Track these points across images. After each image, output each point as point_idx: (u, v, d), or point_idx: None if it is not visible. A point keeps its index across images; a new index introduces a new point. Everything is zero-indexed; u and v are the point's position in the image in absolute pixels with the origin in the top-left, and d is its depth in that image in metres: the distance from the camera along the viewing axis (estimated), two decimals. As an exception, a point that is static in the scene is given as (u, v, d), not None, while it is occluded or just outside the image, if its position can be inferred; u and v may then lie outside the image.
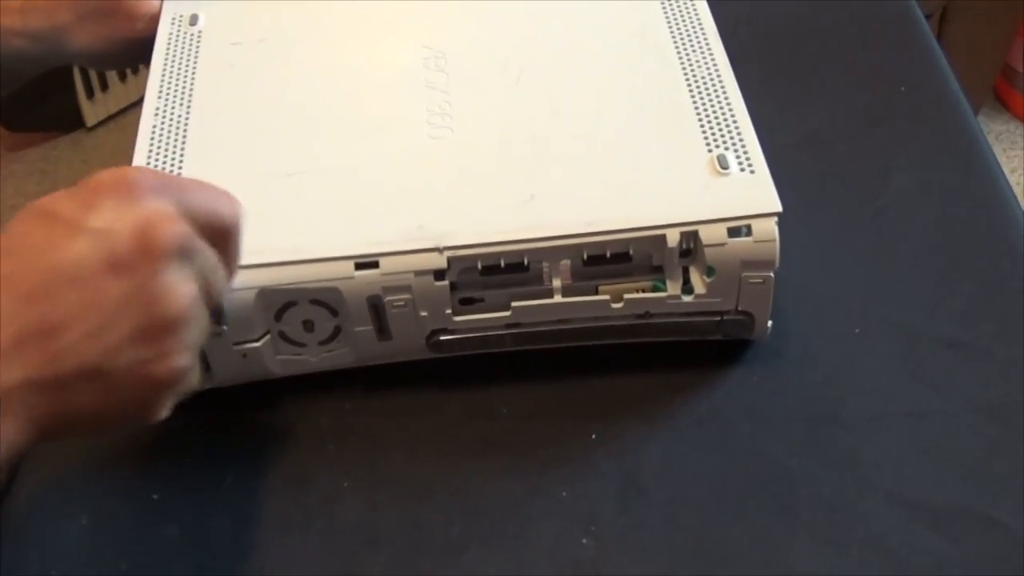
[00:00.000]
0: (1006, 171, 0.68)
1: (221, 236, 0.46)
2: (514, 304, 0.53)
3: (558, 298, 0.53)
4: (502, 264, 0.52)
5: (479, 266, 0.52)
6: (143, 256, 0.42)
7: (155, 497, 0.53)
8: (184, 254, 0.43)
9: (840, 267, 0.61)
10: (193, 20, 0.64)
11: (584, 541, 0.50)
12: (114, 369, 0.42)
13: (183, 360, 0.44)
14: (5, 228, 0.42)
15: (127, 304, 0.42)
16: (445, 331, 0.54)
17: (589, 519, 0.51)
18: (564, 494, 0.52)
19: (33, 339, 0.41)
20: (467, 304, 0.54)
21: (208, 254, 0.45)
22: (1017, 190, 0.63)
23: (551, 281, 0.53)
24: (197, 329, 0.44)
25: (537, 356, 0.56)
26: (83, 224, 0.41)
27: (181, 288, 0.43)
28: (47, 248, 0.41)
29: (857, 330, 0.58)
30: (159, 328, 0.43)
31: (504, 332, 0.54)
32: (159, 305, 0.42)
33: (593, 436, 0.54)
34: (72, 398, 0.42)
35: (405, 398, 0.56)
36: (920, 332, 0.58)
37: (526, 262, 0.53)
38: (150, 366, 0.43)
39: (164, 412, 0.44)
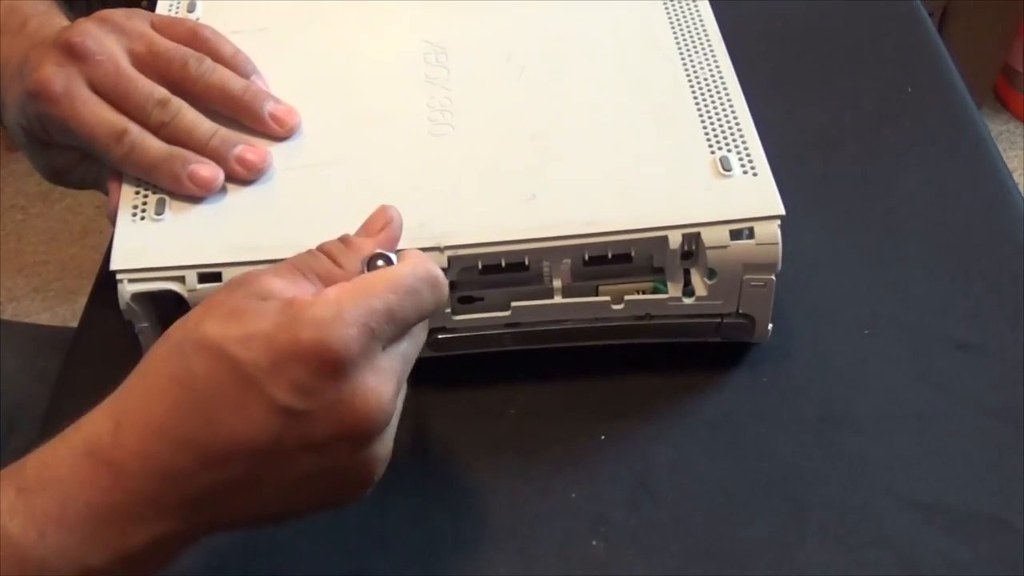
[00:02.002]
0: (1006, 171, 0.68)
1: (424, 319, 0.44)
2: (514, 304, 0.53)
3: (558, 298, 0.53)
4: (502, 264, 0.52)
5: (479, 265, 0.52)
6: (347, 446, 0.40)
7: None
8: (388, 421, 0.41)
9: (848, 268, 0.61)
10: (191, 7, 0.63)
11: (594, 542, 0.50)
12: (297, 511, 0.43)
13: (377, 480, 0.43)
14: (186, 355, 0.39)
15: (320, 475, 0.41)
16: (444, 330, 0.54)
17: (599, 520, 0.51)
18: (573, 495, 0.52)
19: (225, 497, 0.40)
20: (467, 303, 0.54)
21: (413, 353, 0.43)
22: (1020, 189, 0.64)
23: (551, 281, 0.53)
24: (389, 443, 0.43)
25: (545, 356, 0.55)
26: (280, 401, 0.39)
27: (383, 453, 0.42)
28: (239, 419, 0.39)
29: (866, 331, 0.58)
30: (355, 484, 0.42)
31: (504, 332, 0.54)
32: (359, 473, 0.42)
33: (602, 437, 0.54)
34: (242, 526, 0.42)
35: (412, 397, 0.56)
36: (929, 333, 0.58)
37: (527, 262, 0.52)
38: (342, 502, 0.43)
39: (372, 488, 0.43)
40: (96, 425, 0.40)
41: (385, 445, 0.42)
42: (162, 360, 0.40)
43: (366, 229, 0.46)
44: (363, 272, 0.43)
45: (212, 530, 0.41)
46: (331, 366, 0.39)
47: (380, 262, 0.43)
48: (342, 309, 0.39)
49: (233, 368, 0.39)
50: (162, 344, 0.41)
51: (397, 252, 0.44)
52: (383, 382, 0.40)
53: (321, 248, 0.44)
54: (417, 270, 0.42)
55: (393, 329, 0.41)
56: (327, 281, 0.42)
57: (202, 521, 0.40)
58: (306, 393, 0.39)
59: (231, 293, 0.41)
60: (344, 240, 0.45)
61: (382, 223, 0.46)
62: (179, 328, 0.41)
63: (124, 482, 0.39)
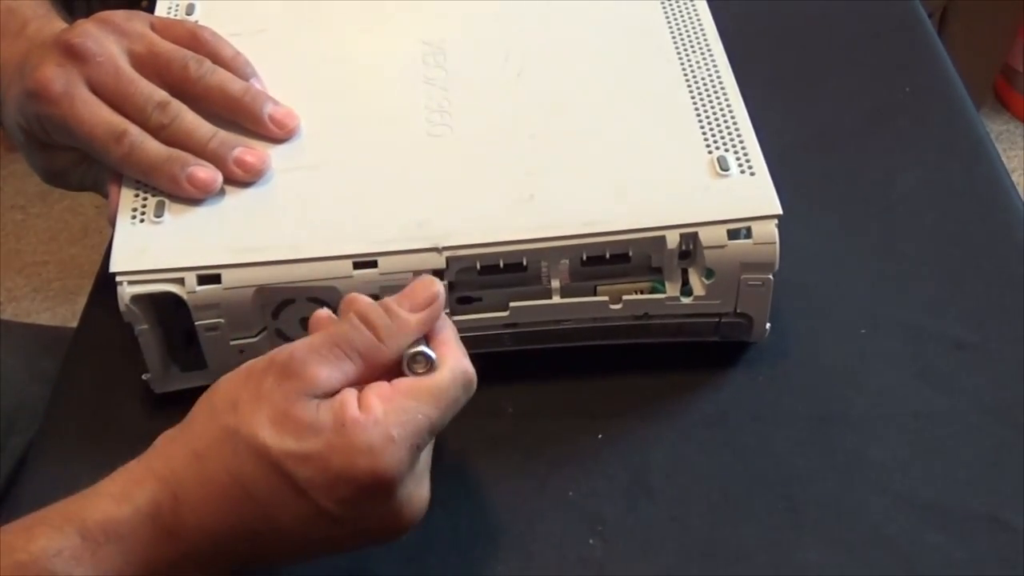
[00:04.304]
0: (1006, 171, 0.68)
1: None
2: (512, 304, 0.53)
3: (556, 298, 0.53)
4: (501, 264, 0.52)
5: (478, 266, 0.52)
6: (390, 536, 0.45)
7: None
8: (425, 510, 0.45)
9: (846, 267, 0.61)
10: (190, 9, 0.63)
11: (591, 540, 0.50)
12: (331, 553, 0.46)
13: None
14: (231, 446, 0.42)
15: (356, 537, 0.45)
16: (444, 330, 0.54)
17: (596, 518, 0.51)
18: (571, 493, 0.52)
19: (251, 563, 0.44)
20: (465, 303, 0.54)
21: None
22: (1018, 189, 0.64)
23: (550, 281, 0.53)
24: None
25: (543, 355, 0.55)
26: (333, 512, 0.42)
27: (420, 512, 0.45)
28: (292, 518, 0.42)
29: (863, 330, 0.58)
30: (389, 537, 0.45)
31: (502, 332, 0.54)
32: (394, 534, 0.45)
33: (600, 436, 0.54)
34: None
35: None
36: (927, 332, 0.58)
37: (525, 262, 0.52)
38: (375, 545, 0.46)
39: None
40: (156, 493, 0.42)
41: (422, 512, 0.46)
42: (216, 449, 0.42)
43: (411, 300, 0.46)
44: (407, 367, 0.45)
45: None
46: (383, 489, 0.42)
47: (421, 361, 0.45)
48: (391, 432, 0.42)
49: (289, 481, 0.41)
50: (211, 424, 0.43)
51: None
52: (422, 485, 0.45)
53: (363, 318, 0.45)
54: (456, 377, 0.45)
55: (432, 438, 0.45)
56: (368, 360, 0.44)
57: (244, 566, 0.44)
58: (357, 507, 0.42)
59: (280, 386, 0.42)
60: (388, 311, 0.45)
61: (427, 298, 0.46)
62: (229, 412, 0.43)
63: (181, 547, 0.42)
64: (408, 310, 0.45)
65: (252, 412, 0.42)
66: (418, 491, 0.44)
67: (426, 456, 0.45)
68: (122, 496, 0.42)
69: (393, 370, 0.44)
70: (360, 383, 0.44)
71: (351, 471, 0.41)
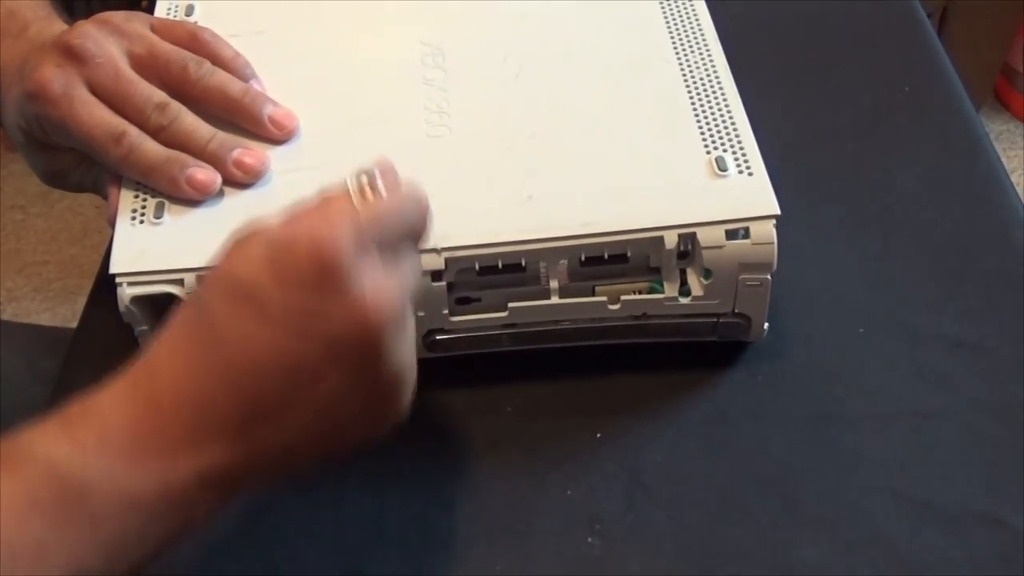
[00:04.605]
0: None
1: (414, 238, 0.46)
2: (511, 304, 0.53)
3: (555, 299, 0.53)
4: (499, 264, 0.52)
5: (476, 266, 0.52)
6: (364, 347, 0.41)
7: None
8: (400, 322, 0.42)
9: (844, 266, 0.61)
10: (189, 11, 0.63)
11: (589, 539, 0.50)
12: (334, 439, 0.43)
13: (406, 403, 0.44)
14: (206, 298, 0.42)
15: (349, 392, 0.42)
16: (442, 331, 0.54)
17: (594, 517, 0.51)
18: (569, 492, 0.52)
19: (262, 423, 0.41)
20: (464, 304, 0.54)
21: (410, 276, 0.44)
22: (1017, 190, 0.63)
23: (548, 282, 0.53)
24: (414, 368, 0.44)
25: (541, 354, 0.56)
26: (291, 317, 0.40)
27: (404, 360, 0.43)
28: (262, 348, 0.40)
29: (861, 329, 0.58)
30: (385, 402, 0.43)
31: (501, 332, 0.54)
32: (386, 388, 0.43)
33: (598, 435, 0.54)
34: (282, 465, 0.43)
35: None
36: (925, 331, 0.58)
37: (523, 263, 0.52)
38: (375, 427, 0.44)
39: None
40: (133, 370, 0.41)
41: (406, 355, 0.43)
42: (182, 314, 0.42)
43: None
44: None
45: (255, 475, 0.42)
46: (331, 269, 0.40)
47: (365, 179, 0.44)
48: (331, 214, 0.41)
49: (239, 291, 0.40)
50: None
51: None
52: (386, 279, 0.42)
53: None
54: (411, 189, 0.45)
55: (382, 232, 0.42)
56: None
57: (242, 457, 0.41)
58: (312, 293, 0.40)
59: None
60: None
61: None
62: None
63: (161, 410, 0.40)
64: None
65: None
66: (382, 282, 0.41)
67: (391, 270, 0.42)
68: (98, 387, 0.41)
69: None
70: None
71: (293, 252, 0.40)
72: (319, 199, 0.42)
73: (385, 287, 0.41)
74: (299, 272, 0.40)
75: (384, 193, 0.44)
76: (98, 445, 0.39)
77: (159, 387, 0.41)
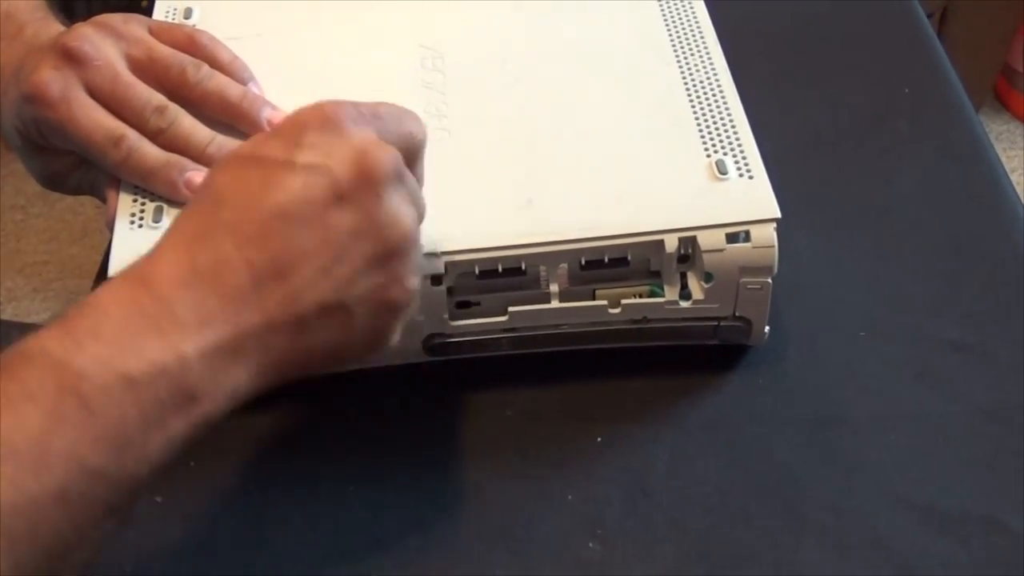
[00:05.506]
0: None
1: (412, 155, 0.46)
2: (511, 309, 0.53)
3: (555, 303, 0.53)
4: (499, 269, 0.52)
5: (476, 270, 0.52)
6: (364, 184, 0.42)
7: (159, 500, 0.52)
8: (399, 177, 0.43)
9: (844, 269, 0.61)
10: (187, 14, 0.63)
11: (590, 544, 0.50)
12: (351, 300, 0.42)
13: (414, 281, 0.44)
14: (209, 178, 0.43)
15: (356, 234, 0.42)
16: (442, 335, 0.54)
17: (595, 522, 0.51)
18: (570, 497, 0.52)
19: (268, 282, 0.41)
20: (464, 308, 0.54)
21: (411, 174, 0.45)
22: (1017, 190, 0.63)
23: (549, 286, 0.53)
24: (418, 249, 0.45)
25: (541, 359, 0.56)
26: (296, 162, 0.41)
27: (404, 210, 0.43)
28: (266, 191, 0.41)
29: (862, 332, 0.58)
30: (391, 252, 0.43)
31: (501, 336, 0.54)
32: (388, 229, 0.43)
33: (599, 439, 0.54)
34: (311, 335, 0.42)
35: (410, 400, 0.56)
36: (925, 335, 0.58)
37: (524, 267, 0.52)
38: (386, 291, 0.43)
39: (396, 337, 0.45)
40: (132, 264, 0.41)
41: (405, 219, 0.44)
42: (184, 209, 0.43)
43: None
44: None
45: (267, 346, 0.41)
46: (330, 121, 0.42)
47: None
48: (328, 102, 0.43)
49: (248, 158, 0.42)
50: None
51: None
52: (385, 144, 0.43)
53: None
54: (398, 106, 0.46)
55: (380, 125, 0.44)
56: None
57: (252, 325, 0.40)
58: (315, 147, 0.42)
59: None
60: None
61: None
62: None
63: (158, 292, 0.39)
64: None
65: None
66: (381, 144, 0.43)
67: (393, 147, 0.44)
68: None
69: None
70: None
71: (294, 118, 0.43)
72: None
73: (382, 145, 0.43)
74: (302, 124, 0.42)
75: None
76: (92, 333, 0.38)
77: (158, 272, 0.40)
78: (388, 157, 0.43)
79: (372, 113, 0.44)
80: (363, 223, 0.42)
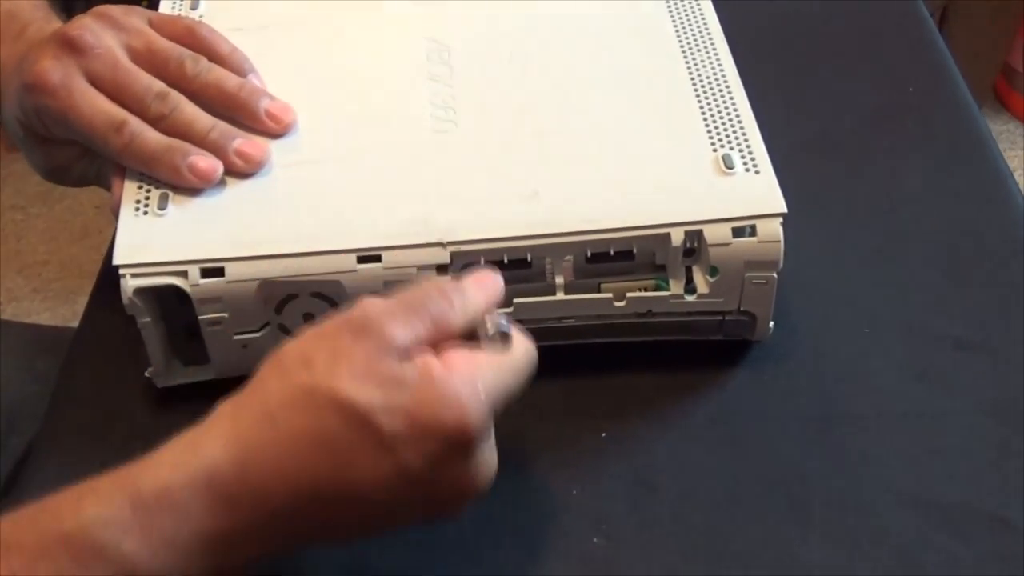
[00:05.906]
0: (1006, 171, 0.68)
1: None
2: (516, 301, 0.53)
3: (560, 295, 0.53)
4: (505, 260, 0.52)
5: (482, 262, 0.52)
6: (456, 503, 0.44)
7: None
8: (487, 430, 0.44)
9: (849, 267, 0.61)
10: (194, 5, 0.63)
11: (595, 539, 0.50)
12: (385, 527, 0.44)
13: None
14: (310, 401, 0.41)
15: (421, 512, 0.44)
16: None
17: (600, 517, 0.51)
18: (575, 492, 0.52)
19: (313, 535, 0.43)
20: None
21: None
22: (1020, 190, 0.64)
23: (554, 278, 0.53)
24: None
25: (546, 354, 0.55)
26: (412, 468, 0.41)
27: (488, 465, 0.44)
28: (368, 475, 0.41)
29: (866, 330, 0.58)
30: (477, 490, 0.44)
31: (506, 329, 0.54)
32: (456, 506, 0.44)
33: (603, 434, 0.54)
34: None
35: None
36: (930, 332, 0.58)
37: (529, 258, 0.52)
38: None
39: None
40: (218, 458, 0.40)
41: (489, 462, 0.45)
42: (291, 408, 0.41)
43: (477, 279, 0.46)
44: (484, 335, 0.45)
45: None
46: (468, 443, 0.41)
47: (497, 331, 0.45)
48: (478, 389, 0.42)
49: (374, 434, 0.40)
50: (285, 383, 0.42)
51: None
52: (493, 452, 0.44)
53: (435, 286, 0.45)
54: (530, 354, 0.45)
55: (503, 407, 0.44)
56: (440, 325, 0.43)
57: (299, 546, 0.43)
58: (438, 464, 0.41)
59: (358, 343, 0.42)
60: (458, 283, 0.45)
61: (492, 280, 0.47)
62: (303, 370, 0.41)
63: (239, 516, 0.40)
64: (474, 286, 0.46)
65: (331, 368, 0.41)
66: (491, 456, 0.44)
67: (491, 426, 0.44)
68: (179, 462, 0.40)
69: (457, 342, 0.44)
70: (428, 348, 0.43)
71: (439, 422, 0.41)
72: (465, 366, 0.42)
73: (492, 463, 0.44)
74: (437, 444, 0.41)
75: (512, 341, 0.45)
76: (169, 544, 0.39)
77: (244, 495, 0.40)
78: (492, 478, 0.44)
79: (506, 402, 0.44)
80: (434, 501, 0.43)
